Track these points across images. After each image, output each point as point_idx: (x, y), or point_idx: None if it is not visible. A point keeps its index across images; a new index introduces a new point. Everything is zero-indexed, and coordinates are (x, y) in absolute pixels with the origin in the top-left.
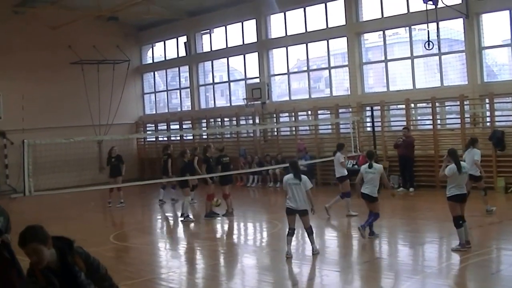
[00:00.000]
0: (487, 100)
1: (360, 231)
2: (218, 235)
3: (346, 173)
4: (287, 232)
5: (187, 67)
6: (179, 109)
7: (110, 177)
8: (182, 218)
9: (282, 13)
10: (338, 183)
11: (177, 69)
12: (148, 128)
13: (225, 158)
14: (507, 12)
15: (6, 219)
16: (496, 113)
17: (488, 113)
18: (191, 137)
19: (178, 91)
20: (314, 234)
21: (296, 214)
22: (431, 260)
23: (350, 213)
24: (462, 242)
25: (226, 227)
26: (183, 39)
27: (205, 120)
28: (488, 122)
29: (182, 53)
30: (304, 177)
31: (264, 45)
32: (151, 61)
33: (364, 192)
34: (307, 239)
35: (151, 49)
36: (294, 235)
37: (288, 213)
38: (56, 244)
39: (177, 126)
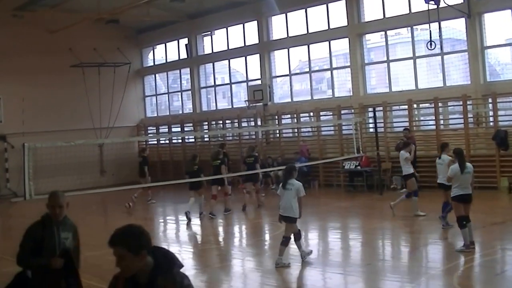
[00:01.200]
0: (490, 100)
1: (442, 221)
2: (221, 238)
3: (412, 171)
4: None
5: (188, 69)
6: (180, 112)
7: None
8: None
9: (283, 14)
10: (404, 181)
11: (178, 71)
12: (149, 131)
13: (250, 158)
14: (509, 12)
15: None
16: (499, 112)
17: (491, 113)
18: (193, 140)
19: (180, 93)
20: (300, 241)
21: (285, 220)
22: (435, 261)
23: (418, 213)
24: (466, 243)
25: (228, 229)
26: (184, 41)
27: (206, 122)
28: (491, 121)
29: (183, 55)
30: (297, 183)
31: (265, 47)
32: (152, 64)
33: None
34: (309, 241)
35: (152, 51)
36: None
37: (280, 220)
38: (157, 257)
39: (179, 129)
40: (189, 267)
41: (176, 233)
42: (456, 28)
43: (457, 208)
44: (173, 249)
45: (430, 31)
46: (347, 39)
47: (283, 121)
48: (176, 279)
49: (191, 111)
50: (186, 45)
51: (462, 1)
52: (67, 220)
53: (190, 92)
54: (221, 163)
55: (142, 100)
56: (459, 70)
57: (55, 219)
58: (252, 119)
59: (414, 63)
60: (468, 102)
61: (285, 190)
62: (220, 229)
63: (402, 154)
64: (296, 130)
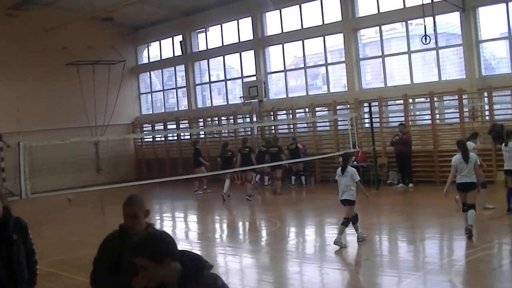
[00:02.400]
0: (485, 94)
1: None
2: (217, 234)
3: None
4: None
5: (183, 66)
6: (176, 109)
7: None
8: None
9: (278, 10)
10: None
11: (173, 68)
12: (145, 128)
13: (273, 148)
14: (503, 5)
15: None
16: (495, 106)
17: (487, 107)
18: (189, 137)
19: (175, 90)
20: (357, 224)
21: (345, 203)
22: (432, 256)
23: (487, 206)
24: (469, 224)
25: (224, 226)
26: (178, 38)
27: (202, 119)
28: (487, 116)
29: (178, 52)
30: (349, 169)
31: (260, 43)
32: (147, 61)
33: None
34: (307, 237)
35: (146, 49)
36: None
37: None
38: (184, 262)
39: (174, 126)
40: None
41: (173, 230)
42: (450, 22)
43: (460, 196)
44: None
45: (424, 25)
46: (341, 34)
47: (279, 117)
48: (208, 282)
49: (187, 108)
50: (180, 42)
51: None
52: (151, 230)
53: (185, 89)
54: (249, 151)
55: (137, 98)
56: (454, 64)
57: (130, 231)
58: (247, 116)
59: (409, 57)
60: (463, 97)
61: (342, 176)
62: (217, 225)
63: (469, 144)
64: (291, 126)
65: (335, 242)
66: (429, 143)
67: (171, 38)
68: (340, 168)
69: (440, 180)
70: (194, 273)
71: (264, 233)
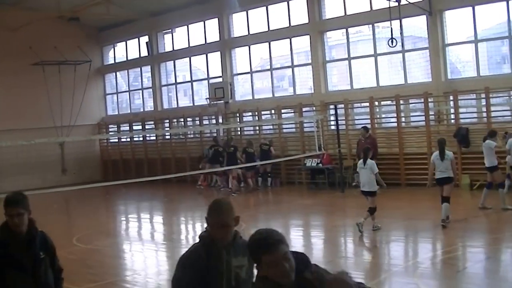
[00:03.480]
0: (451, 97)
1: None
2: (182, 235)
3: (497, 162)
4: None
5: (149, 67)
6: (141, 110)
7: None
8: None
9: (245, 12)
10: (488, 173)
11: (139, 69)
12: (110, 129)
13: (249, 149)
14: (470, 9)
15: None
16: (461, 110)
17: (452, 110)
18: (154, 138)
19: (141, 91)
20: (375, 213)
21: (366, 194)
22: (397, 258)
23: (506, 206)
24: (442, 218)
25: (190, 227)
26: (144, 39)
27: (168, 120)
28: (453, 119)
29: (144, 53)
30: (369, 161)
31: (226, 44)
32: (112, 62)
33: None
34: None
35: (112, 49)
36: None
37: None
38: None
39: (140, 127)
40: (151, 266)
41: (138, 231)
42: (417, 25)
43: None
44: (135, 247)
45: (391, 28)
46: (308, 36)
47: (245, 119)
48: (319, 270)
49: (152, 109)
50: (146, 42)
51: None
52: (239, 240)
53: (151, 90)
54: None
55: (103, 98)
56: (421, 67)
57: (221, 242)
58: (213, 117)
59: (376, 60)
60: (429, 100)
61: (363, 168)
62: (182, 226)
63: (489, 143)
64: (257, 128)
65: (374, 228)
66: (395, 146)
67: (137, 39)
68: (361, 161)
69: (405, 183)
70: (305, 263)
71: None
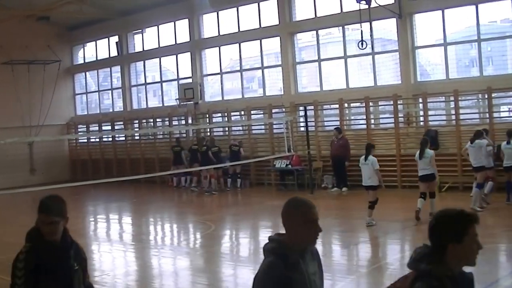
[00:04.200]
0: (420, 100)
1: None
2: (151, 236)
3: (486, 162)
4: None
5: (119, 67)
6: (111, 110)
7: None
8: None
9: (215, 13)
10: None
11: (109, 69)
12: (79, 129)
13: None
14: (439, 12)
15: None
16: (430, 112)
17: (421, 113)
18: (123, 138)
19: (110, 91)
20: (373, 209)
21: (367, 188)
22: (366, 259)
23: (475, 207)
24: (430, 212)
25: (159, 228)
26: (114, 39)
27: (137, 121)
28: (422, 121)
29: (114, 53)
30: (370, 157)
31: (196, 45)
32: (82, 61)
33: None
34: (241, 240)
35: (82, 49)
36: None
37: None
38: None
39: (109, 127)
40: (119, 266)
41: (107, 232)
42: (387, 28)
43: (420, 186)
44: (104, 248)
45: (361, 30)
46: (278, 38)
47: (214, 120)
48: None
49: (122, 109)
50: (116, 42)
51: (394, 2)
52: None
53: (120, 90)
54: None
55: (72, 98)
56: (390, 70)
57: (308, 245)
58: (183, 118)
59: (345, 62)
60: (398, 102)
61: (365, 164)
62: (151, 227)
63: (481, 143)
64: (227, 129)
65: (367, 224)
66: (363, 147)
67: (107, 39)
68: (363, 157)
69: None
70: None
71: (198, 235)
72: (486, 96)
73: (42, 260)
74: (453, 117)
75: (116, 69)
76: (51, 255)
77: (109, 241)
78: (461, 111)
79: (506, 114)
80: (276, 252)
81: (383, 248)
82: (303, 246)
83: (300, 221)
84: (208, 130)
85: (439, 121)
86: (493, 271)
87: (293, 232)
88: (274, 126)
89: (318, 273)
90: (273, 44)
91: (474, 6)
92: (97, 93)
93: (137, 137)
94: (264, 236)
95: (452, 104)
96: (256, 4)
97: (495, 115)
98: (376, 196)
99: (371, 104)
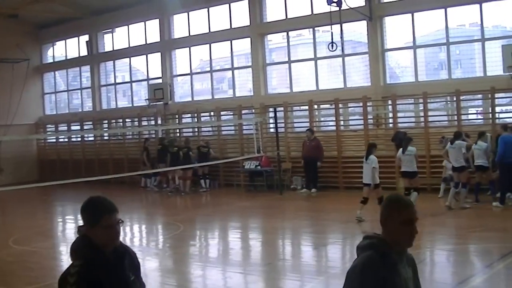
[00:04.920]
0: (389, 102)
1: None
2: (120, 238)
3: (464, 163)
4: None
5: (89, 66)
6: (80, 110)
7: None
8: None
9: (186, 13)
10: (456, 173)
11: (78, 68)
12: (48, 129)
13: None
14: (409, 15)
15: None
16: (399, 114)
17: (390, 115)
18: (93, 138)
19: (80, 91)
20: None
21: (364, 186)
22: (335, 260)
23: (464, 205)
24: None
25: (127, 228)
26: (84, 38)
27: (106, 121)
28: (391, 123)
29: (84, 52)
30: (371, 157)
31: (167, 45)
32: (51, 61)
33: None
34: (210, 241)
35: (51, 48)
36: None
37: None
38: None
39: (78, 127)
40: None
41: (75, 233)
42: (357, 30)
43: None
44: None
45: (332, 32)
46: (249, 39)
47: (184, 120)
48: None
49: (91, 109)
50: (86, 42)
51: (364, 4)
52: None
53: (90, 90)
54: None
55: (41, 98)
56: (360, 72)
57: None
58: (152, 118)
59: (316, 64)
60: (368, 104)
61: (366, 163)
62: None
63: (461, 143)
64: (196, 130)
65: (356, 218)
66: (333, 149)
67: (77, 38)
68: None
69: (344, 186)
70: None
71: (167, 236)
72: (454, 99)
73: (96, 277)
74: (422, 119)
75: (86, 68)
76: (106, 268)
77: (75, 242)
78: (429, 113)
79: (474, 116)
80: (376, 249)
81: (352, 249)
82: (400, 247)
83: (397, 220)
84: (178, 130)
85: (408, 123)
86: (460, 271)
87: (392, 231)
88: (244, 127)
89: (412, 280)
90: (243, 45)
91: (443, 10)
92: (66, 92)
93: (106, 137)
94: (233, 237)
95: (421, 106)
96: (227, 5)
97: (463, 117)
98: (368, 193)
99: (340, 106)
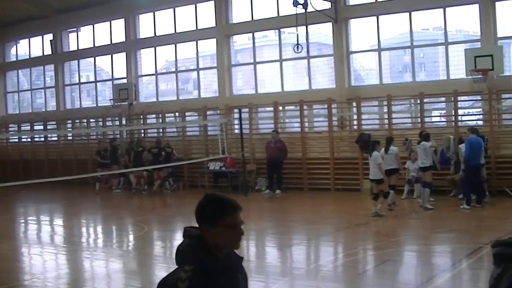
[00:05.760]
0: (354, 104)
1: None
2: (83, 238)
3: (430, 163)
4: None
5: (53, 66)
6: (43, 109)
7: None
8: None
9: (152, 13)
10: (422, 172)
11: (42, 67)
12: (10, 129)
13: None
14: (374, 18)
15: None
16: (363, 116)
17: (355, 117)
18: (56, 138)
19: (43, 90)
20: (380, 198)
21: (372, 181)
22: (299, 261)
23: (426, 205)
24: (389, 203)
25: (91, 230)
26: (49, 37)
27: (70, 121)
28: (355, 125)
29: (48, 51)
30: (374, 153)
31: (132, 45)
32: (14, 59)
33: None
34: (175, 243)
35: (15, 46)
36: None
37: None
38: None
39: (42, 127)
40: (50, 269)
41: (38, 234)
42: (323, 32)
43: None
44: (35, 250)
45: (297, 34)
46: (214, 39)
47: (148, 121)
48: None
49: (55, 109)
50: (51, 41)
51: (330, 7)
52: None
53: (54, 89)
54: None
55: (4, 97)
56: (325, 74)
57: None
58: (117, 118)
59: (281, 65)
60: (333, 106)
61: (371, 160)
62: (83, 229)
63: (424, 144)
64: (161, 130)
65: (373, 214)
66: (298, 150)
67: (41, 37)
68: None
69: (308, 187)
70: None
71: (131, 237)
72: (418, 101)
73: (209, 285)
74: (386, 121)
75: (50, 67)
76: (221, 275)
77: (39, 243)
78: (393, 115)
79: (437, 119)
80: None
81: (316, 250)
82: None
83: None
84: (142, 131)
85: (372, 125)
86: (423, 271)
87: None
88: (209, 128)
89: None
90: (209, 46)
91: (407, 14)
92: (30, 91)
93: (70, 138)
94: None
95: (385, 109)
96: (193, 5)
97: (427, 119)
98: (378, 188)
99: (305, 107)
